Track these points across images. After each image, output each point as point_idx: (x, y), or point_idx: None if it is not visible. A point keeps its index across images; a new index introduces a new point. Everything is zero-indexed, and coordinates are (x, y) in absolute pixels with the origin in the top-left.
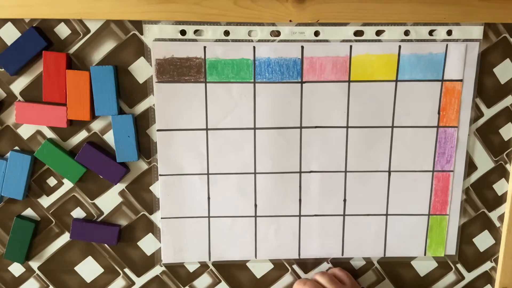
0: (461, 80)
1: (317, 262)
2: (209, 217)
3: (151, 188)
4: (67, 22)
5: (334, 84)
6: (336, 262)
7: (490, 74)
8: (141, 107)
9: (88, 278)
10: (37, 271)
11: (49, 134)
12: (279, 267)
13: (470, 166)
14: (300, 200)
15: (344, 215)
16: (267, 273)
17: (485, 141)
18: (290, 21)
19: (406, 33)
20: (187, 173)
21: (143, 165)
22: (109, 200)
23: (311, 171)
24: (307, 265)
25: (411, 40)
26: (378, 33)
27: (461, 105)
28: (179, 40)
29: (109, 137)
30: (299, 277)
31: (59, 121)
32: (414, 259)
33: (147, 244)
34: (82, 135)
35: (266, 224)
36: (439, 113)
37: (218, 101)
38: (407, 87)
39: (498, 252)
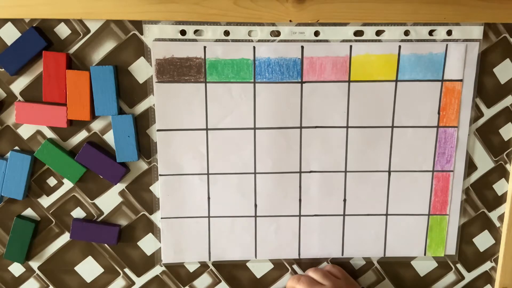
0: (461, 80)
1: (317, 262)
2: (209, 217)
3: (151, 188)
4: (67, 22)
5: (334, 84)
6: (336, 262)
7: (490, 74)
8: (141, 107)
9: (88, 278)
10: (37, 271)
11: (49, 134)
12: (279, 267)
13: (470, 166)
14: (300, 200)
15: (344, 215)
16: (267, 273)
17: (485, 141)
18: (290, 21)
19: (406, 33)
20: (187, 173)
21: (143, 165)
22: (109, 200)
23: (311, 171)
24: (307, 265)
25: (411, 40)
26: (378, 33)
27: (461, 105)
28: (179, 40)
29: (109, 137)
30: None
31: (59, 121)
32: (414, 259)
33: (147, 244)
34: (82, 135)
35: (266, 224)
36: (439, 113)
37: (218, 101)
38: (407, 87)
39: (498, 252)
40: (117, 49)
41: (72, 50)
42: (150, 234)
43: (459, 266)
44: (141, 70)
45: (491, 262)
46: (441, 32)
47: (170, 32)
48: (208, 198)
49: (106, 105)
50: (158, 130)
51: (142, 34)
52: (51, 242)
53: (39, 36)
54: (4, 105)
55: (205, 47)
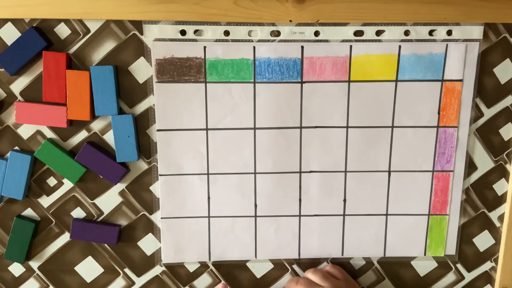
0: (461, 80)
1: (317, 262)
2: (209, 217)
3: (151, 188)
4: (67, 22)
5: (334, 84)
6: (336, 262)
7: (490, 74)
8: (141, 107)
9: (88, 278)
10: (37, 271)
11: (49, 134)
12: (279, 267)
13: (470, 166)
14: (300, 200)
15: (344, 215)
16: (267, 273)
17: (485, 141)
18: (290, 21)
19: (406, 33)
20: (187, 173)
21: (143, 165)
22: (109, 200)
23: (311, 171)
24: (307, 265)
25: (411, 40)
26: (378, 33)
27: (461, 105)
28: (179, 40)
29: (109, 137)
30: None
31: (59, 121)
32: (414, 259)
33: (147, 244)
34: (82, 135)
35: (266, 224)
36: (439, 113)
37: (218, 101)
38: (407, 87)
39: (498, 252)
40: (117, 49)
41: (72, 50)
42: (150, 234)
43: (459, 266)
44: (141, 70)
45: (491, 262)
46: (441, 32)
47: (170, 32)
48: (208, 198)
49: (106, 105)
50: (158, 130)
51: (142, 34)
52: (51, 242)
53: (39, 36)
54: (4, 105)
55: (205, 47)
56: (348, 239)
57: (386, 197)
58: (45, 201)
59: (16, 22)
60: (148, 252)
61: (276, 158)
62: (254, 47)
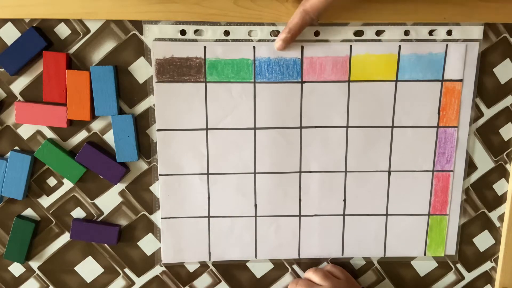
0: (461, 80)
1: (317, 262)
2: (209, 217)
3: (151, 188)
4: (67, 22)
5: (334, 84)
6: (336, 262)
7: (490, 74)
8: (141, 107)
9: (88, 278)
10: (37, 271)
11: (49, 134)
12: (279, 267)
13: (470, 166)
14: (300, 200)
15: (344, 215)
16: (267, 273)
17: (485, 141)
18: None
19: (406, 33)
20: (187, 173)
21: (143, 165)
22: (109, 200)
23: (311, 171)
24: (307, 265)
25: (411, 40)
26: (378, 33)
27: (461, 105)
28: (179, 40)
29: (109, 137)
30: (299, 277)
31: (59, 121)
32: (414, 259)
33: (147, 244)
34: (82, 135)
35: (266, 224)
36: (439, 113)
37: (218, 101)
38: (407, 87)
39: (498, 252)
40: (117, 49)
41: (72, 50)
42: (150, 234)
43: (459, 266)
44: (141, 70)
45: (491, 262)
46: (441, 32)
47: (170, 32)
48: (208, 198)
49: (106, 105)
50: (158, 130)
51: (142, 34)
52: (51, 242)
53: (39, 36)
54: (4, 105)
55: (205, 47)
56: (348, 239)
57: (386, 197)
58: (45, 201)
59: (16, 22)
60: (148, 252)
61: (276, 158)
62: (254, 47)
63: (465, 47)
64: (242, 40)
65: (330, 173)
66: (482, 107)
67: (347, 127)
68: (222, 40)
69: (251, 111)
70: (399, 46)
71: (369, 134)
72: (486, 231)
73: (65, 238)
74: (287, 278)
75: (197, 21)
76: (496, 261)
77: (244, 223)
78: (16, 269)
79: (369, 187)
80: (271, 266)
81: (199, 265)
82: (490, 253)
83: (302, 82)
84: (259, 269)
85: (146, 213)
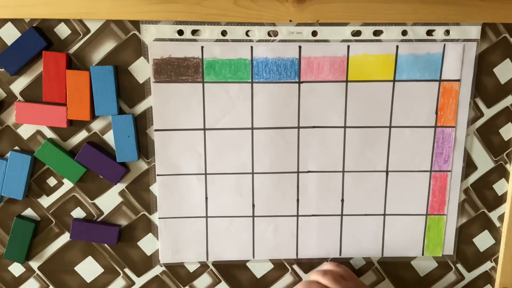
0: (458, 80)
1: (317, 262)
2: (206, 217)
3: (151, 188)
4: (67, 22)
5: (331, 84)
6: (335, 262)
7: (490, 74)
8: (141, 107)
9: (88, 278)
10: (37, 271)
11: (49, 134)
12: (279, 267)
13: (470, 166)
14: (298, 200)
15: (342, 215)
16: (267, 273)
17: (485, 141)
18: (290, 21)
19: (404, 33)
20: (184, 173)
21: (143, 165)
22: (109, 200)
23: (309, 171)
24: (307, 265)
25: (409, 40)
26: (376, 33)
27: (459, 105)
28: (177, 40)
29: (109, 137)
30: (299, 277)
31: (59, 121)
32: (414, 259)
33: (147, 244)
34: (82, 135)
35: (264, 224)
36: (436, 113)
37: (216, 101)
38: (404, 87)
39: (498, 252)
40: (117, 49)
41: (72, 50)
42: (150, 234)
43: (459, 266)
44: (141, 70)
45: (491, 262)
46: (439, 32)
47: (168, 32)
48: (206, 198)
49: (106, 105)
50: (155, 130)
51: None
52: (51, 242)
53: (39, 36)
54: (4, 105)
55: (202, 47)
56: (346, 239)
57: (384, 197)
58: (45, 201)
59: (16, 22)
60: (148, 252)
61: (274, 158)
62: (251, 47)
63: (463, 47)
64: (239, 40)
65: (328, 173)
66: (482, 107)
67: (345, 127)
68: (220, 40)
69: (248, 111)
70: (397, 46)
71: (367, 134)
72: (486, 231)
73: (65, 238)
74: (287, 278)
75: (197, 21)
76: (496, 261)
77: (242, 223)
78: (16, 269)
79: (367, 187)
80: (271, 266)
81: (199, 265)
82: (490, 253)
83: (299, 82)
84: (259, 269)
85: (146, 213)
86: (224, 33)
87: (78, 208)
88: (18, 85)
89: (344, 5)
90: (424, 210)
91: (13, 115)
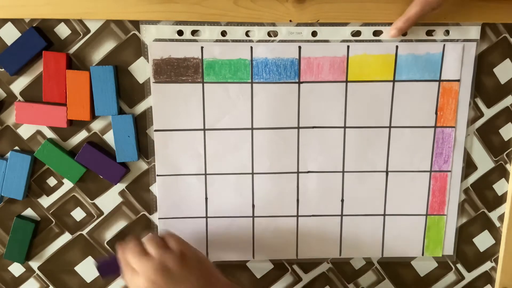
0: (458, 80)
1: (317, 262)
2: (206, 217)
3: (151, 188)
4: (67, 22)
5: (331, 84)
6: (335, 262)
7: (490, 74)
8: (141, 107)
9: (88, 278)
10: (37, 271)
11: (49, 134)
12: (279, 267)
13: (470, 166)
14: (298, 200)
15: (341, 215)
16: (267, 273)
17: (485, 141)
18: (290, 21)
19: (404, 33)
20: (184, 173)
21: (143, 165)
22: (109, 200)
23: (308, 171)
24: (307, 265)
25: (409, 40)
26: (376, 33)
27: (459, 105)
28: (177, 40)
29: (109, 137)
30: (298, 277)
31: (59, 121)
32: (414, 259)
33: None
34: (82, 135)
35: (263, 224)
36: (436, 113)
37: (216, 101)
38: (404, 87)
39: (498, 252)
40: (117, 49)
41: (72, 50)
42: (149, 235)
43: (459, 266)
44: (141, 70)
45: (491, 262)
46: (438, 32)
47: (168, 32)
48: (206, 198)
49: (106, 105)
50: (155, 131)
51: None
52: (51, 242)
53: (39, 36)
54: (4, 105)
55: (202, 48)
56: (346, 240)
57: (384, 198)
58: (45, 201)
59: (16, 22)
60: None
61: (273, 158)
62: (251, 47)
63: (463, 47)
64: (239, 41)
65: (327, 174)
66: (482, 107)
67: (345, 127)
68: (220, 41)
69: (248, 111)
70: (397, 46)
71: (366, 135)
72: (486, 231)
73: (65, 238)
74: (287, 278)
75: (197, 21)
76: (496, 261)
77: (242, 224)
78: (16, 269)
79: (366, 188)
80: (271, 266)
81: None
82: (490, 253)
83: (299, 83)
84: (259, 269)
85: (146, 213)
86: (224, 33)
87: (78, 208)
88: (18, 85)
89: (344, 5)
90: (424, 210)
91: (13, 115)
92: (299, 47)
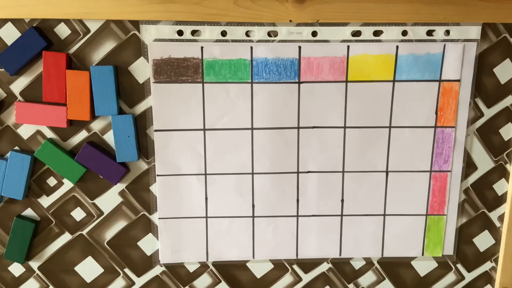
0: (458, 80)
1: (317, 262)
2: (206, 217)
3: (151, 188)
4: (67, 22)
5: (331, 84)
6: (335, 262)
7: (490, 74)
8: (141, 107)
9: (88, 278)
10: (37, 271)
11: (49, 134)
12: (279, 267)
13: (470, 166)
14: (297, 200)
15: (341, 215)
16: (267, 273)
17: (485, 141)
18: (290, 21)
19: (404, 33)
20: (184, 173)
21: (143, 165)
22: (109, 200)
23: (308, 171)
24: (307, 265)
25: (409, 40)
26: (376, 33)
27: (459, 105)
28: (177, 40)
29: (109, 137)
30: (299, 277)
31: (59, 121)
32: (414, 259)
33: (147, 244)
34: (82, 135)
35: (263, 224)
36: (436, 113)
37: (216, 101)
38: (404, 87)
39: (498, 252)
40: (117, 49)
41: (72, 50)
42: (150, 234)
43: (459, 266)
44: (141, 70)
45: (491, 262)
46: (439, 32)
47: (167, 33)
48: (206, 198)
49: (106, 105)
50: (155, 131)
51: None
52: (51, 242)
53: (39, 36)
54: (4, 105)
55: (202, 48)
56: (346, 240)
57: (384, 197)
58: (45, 201)
59: (16, 22)
60: (148, 252)
61: (273, 158)
62: (251, 47)
63: (463, 47)
64: (239, 41)
65: (327, 174)
66: (482, 107)
67: (345, 127)
68: (220, 41)
69: (248, 111)
70: (397, 46)
71: (366, 135)
72: (486, 231)
73: (65, 238)
74: (287, 278)
75: (197, 21)
76: (496, 261)
77: (242, 224)
78: (16, 269)
79: (366, 188)
80: (271, 266)
81: (199, 265)
82: (490, 253)
83: (299, 83)
84: (259, 269)
85: (146, 213)
86: (224, 33)
87: (78, 208)
88: (18, 85)
89: (344, 5)
90: (424, 210)
91: (13, 115)
92: (299, 47)
